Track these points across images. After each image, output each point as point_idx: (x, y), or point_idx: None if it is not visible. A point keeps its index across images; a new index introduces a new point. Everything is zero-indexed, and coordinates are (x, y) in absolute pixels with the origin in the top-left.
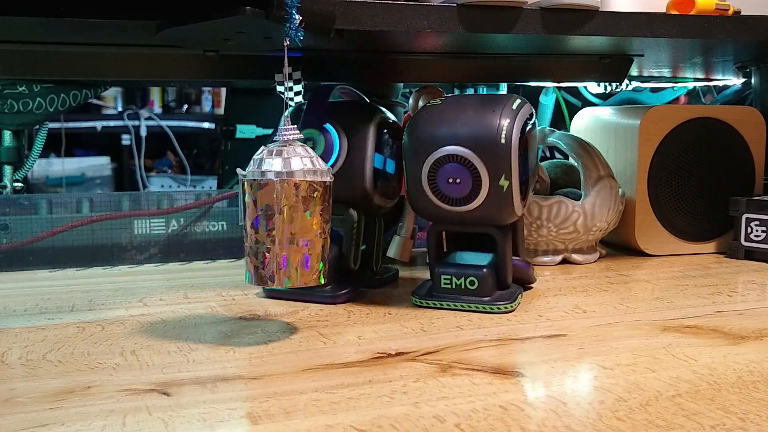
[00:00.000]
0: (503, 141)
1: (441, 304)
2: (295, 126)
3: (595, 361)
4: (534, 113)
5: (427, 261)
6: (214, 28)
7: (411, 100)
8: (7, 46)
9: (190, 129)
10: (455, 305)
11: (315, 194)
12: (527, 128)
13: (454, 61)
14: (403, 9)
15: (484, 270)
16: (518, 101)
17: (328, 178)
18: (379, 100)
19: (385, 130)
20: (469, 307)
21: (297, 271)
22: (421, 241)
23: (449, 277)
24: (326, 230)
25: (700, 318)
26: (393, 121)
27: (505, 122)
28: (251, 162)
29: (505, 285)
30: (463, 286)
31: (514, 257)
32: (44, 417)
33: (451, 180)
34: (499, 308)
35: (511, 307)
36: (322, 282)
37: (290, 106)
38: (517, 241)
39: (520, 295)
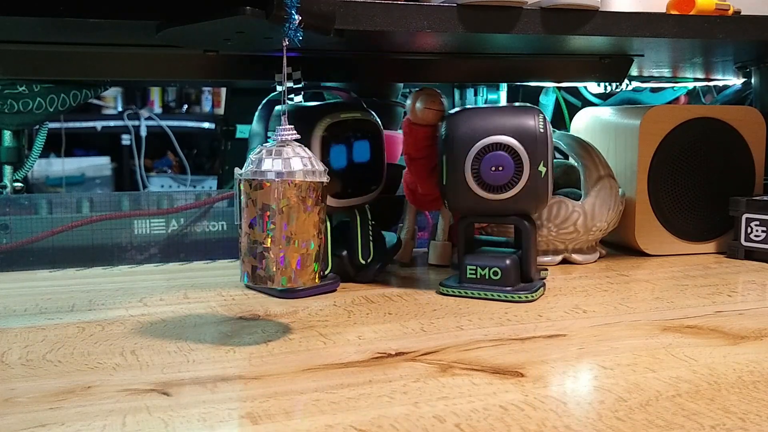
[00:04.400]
0: (541, 130)
1: (465, 293)
2: (292, 126)
3: (595, 361)
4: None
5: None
6: (214, 28)
7: (409, 101)
8: (7, 46)
9: (190, 129)
10: (479, 294)
11: (312, 194)
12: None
13: (454, 61)
14: (403, 9)
15: (508, 261)
16: (539, 109)
17: (325, 179)
18: (379, 100)
19: (339, 129)
20: (492, 295)
21: (294, 270)
22: (422, 241)
23: (474, 267)
24: (322, 230)
25: (700, 318)
26: (349, 117)
27: (540, 117)
28: (248, 162)
29: (527, 278)
30: (487, 276)
31: None
32: (44, 417)
33: (494, 168)
34: (520, 297)
35: (532, 296)
36: (318, 282)
37: (285, 104)
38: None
39: (542, 288)
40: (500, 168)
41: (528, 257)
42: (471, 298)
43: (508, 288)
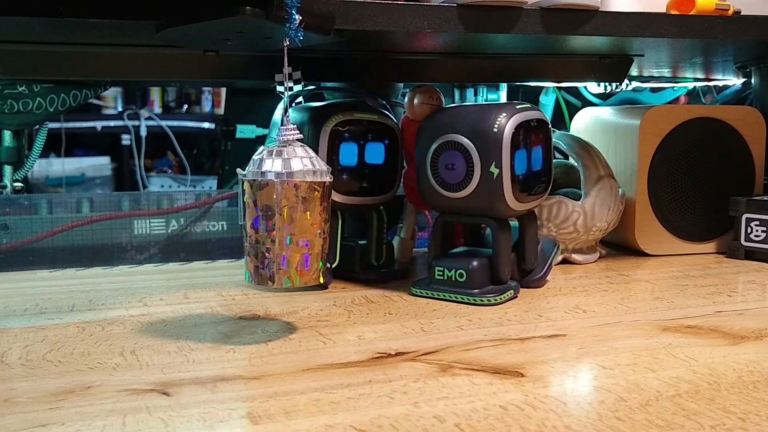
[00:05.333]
0: (495, 130)
1: (434, 294)
2: (295, 126)
3: (595, 361)
4: (543, 117)
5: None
6: (214, 28)
7: (406, 99)
8: (7, 46)
9: (190, 129)
10: (446, 296)
11: (315, 194)
12: (530, 125)
13: (454, 61)
14: (403, 9)
15: (474, 263)
16: (525, 105)
17: (328, 179)
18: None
19: (351, 126)
20: (457, 297)
21: (296, 271)
22: (422, 240)
23: (442, 269)
24: (325, 230)
25: (700, 318)
26: (364, 117)
27: (502, 116)
28: (251, 162)
29: (498, 280)
30: (453, 278)
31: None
32: (44, 417)
33: (448, 166)
34: (482, 301)
35: (495, 300)
36: (322, 281)
37: (291, 106)
38: (525, 246)
39: (511, 291)
40: (453, 166)
41: (498, 259)
42: (439, 299)
43: (475, 290)
